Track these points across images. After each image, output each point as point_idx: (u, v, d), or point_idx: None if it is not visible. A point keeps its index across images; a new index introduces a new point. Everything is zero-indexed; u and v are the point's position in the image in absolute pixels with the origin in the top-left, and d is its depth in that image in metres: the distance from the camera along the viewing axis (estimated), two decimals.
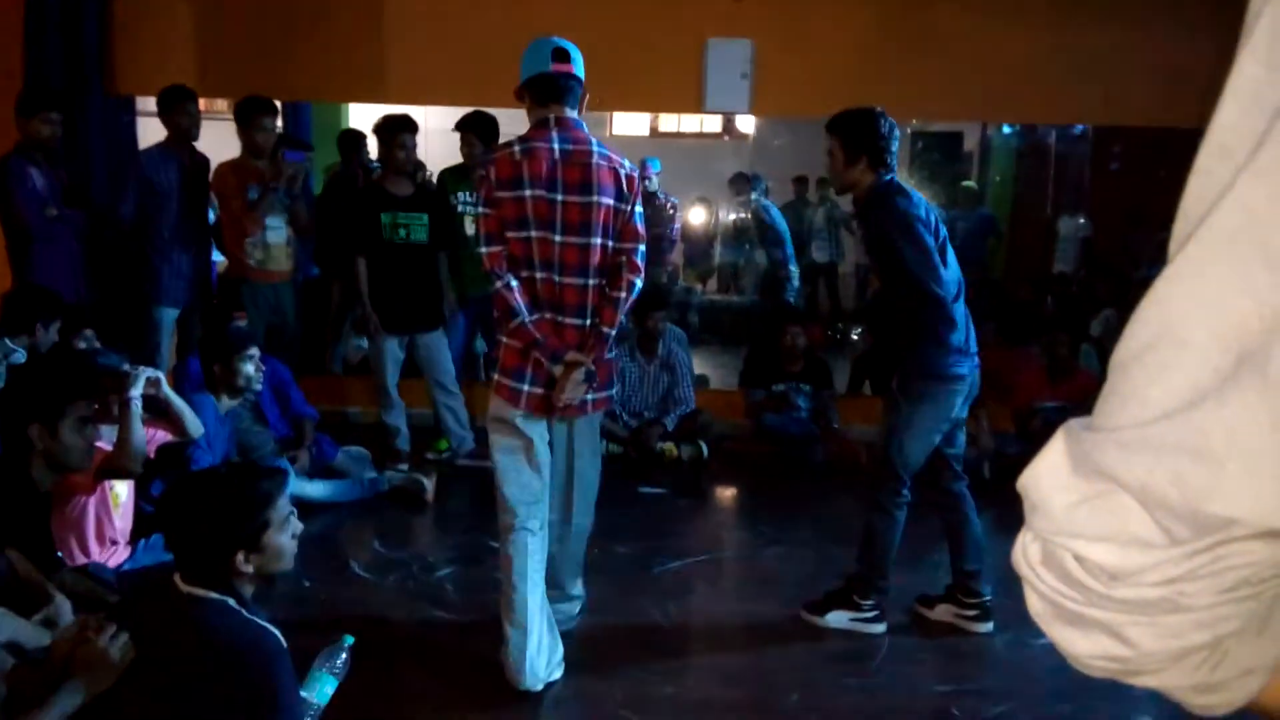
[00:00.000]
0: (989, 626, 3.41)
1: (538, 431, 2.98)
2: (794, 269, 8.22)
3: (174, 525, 2.10)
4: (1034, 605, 0.61)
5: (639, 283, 2.98)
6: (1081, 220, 8.11)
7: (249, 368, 4.09)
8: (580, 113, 3.01)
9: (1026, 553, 0.60)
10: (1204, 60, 5.61)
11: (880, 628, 3.41)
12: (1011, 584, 3.51)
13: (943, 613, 3.50)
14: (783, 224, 8.23)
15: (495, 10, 5.70)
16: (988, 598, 3.44)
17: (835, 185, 3.40)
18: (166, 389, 3.70)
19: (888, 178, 3.21)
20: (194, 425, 3.70)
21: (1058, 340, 5.51)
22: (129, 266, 5.23)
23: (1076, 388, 5.50)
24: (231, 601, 2.06)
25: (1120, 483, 0.53)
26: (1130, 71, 5.73)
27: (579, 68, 2.99)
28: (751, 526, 4.51)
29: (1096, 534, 0.55)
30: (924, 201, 3.26)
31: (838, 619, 3.42)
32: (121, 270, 5.33)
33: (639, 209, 2.98)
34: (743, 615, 3.57)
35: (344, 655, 2.30)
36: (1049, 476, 0.57)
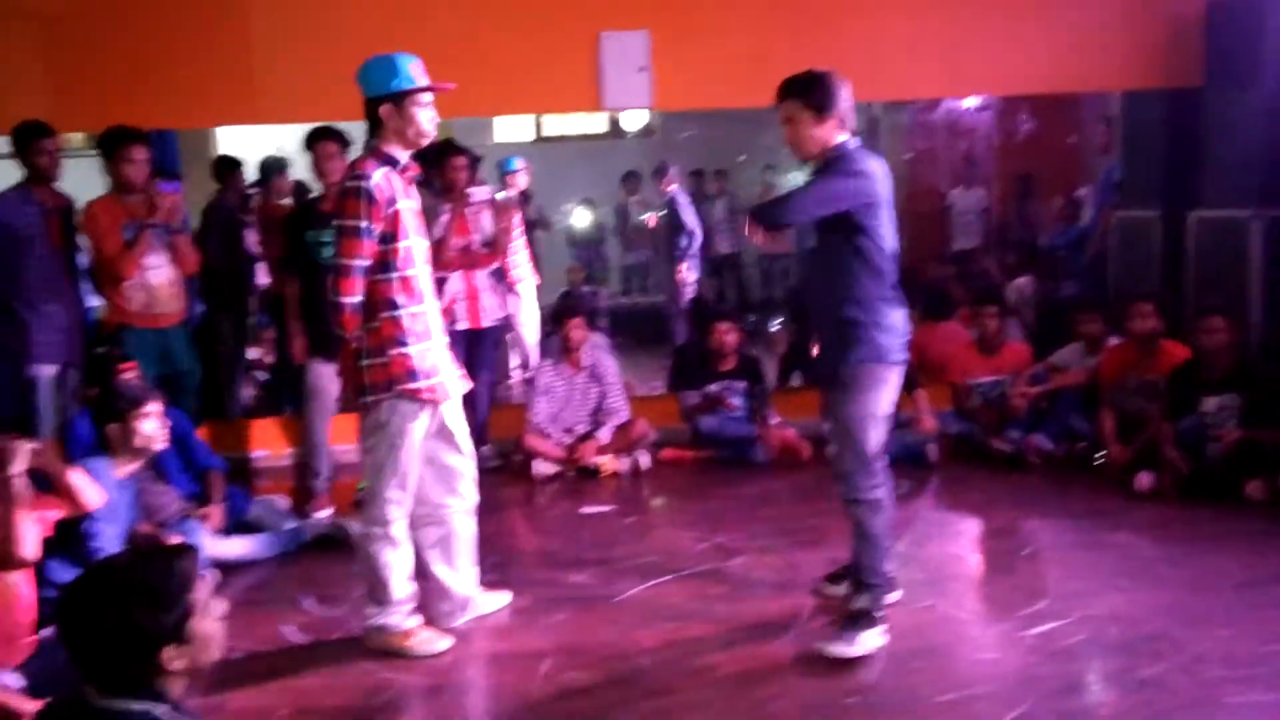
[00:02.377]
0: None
1: None
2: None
3: (79, 634, 1.74)
4: None
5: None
6: (980, 191, 8.15)
7: (150, 426, 3.69)
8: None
9: None
10: (1098, 24, 5.74)
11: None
12: (994, 573, 3.40)
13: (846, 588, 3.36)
14: (687, 217, 8.06)
15: (371, 15, 5.37)
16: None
17: (802, 151, 3.16)
18: (53, 458, 3.29)
19: (859, 141, 3.15)
20: (91, 496, 3.29)
21: (986, 314, 5.45)
22: None
23: (1007, 361, 5.45)
24: (163, 710, 1.74)
25: None
26: (1018, 41, 5.74)
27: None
28: (707, 538, 4.28)
29: None
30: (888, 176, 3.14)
31: (872, 640, 3.15)
32: None
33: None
34: (722, 638, 3.33)
35: None
36: None
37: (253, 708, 2.99)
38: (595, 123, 10.08)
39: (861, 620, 3.15)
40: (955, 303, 6.42)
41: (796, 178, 9.07)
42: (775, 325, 8.19)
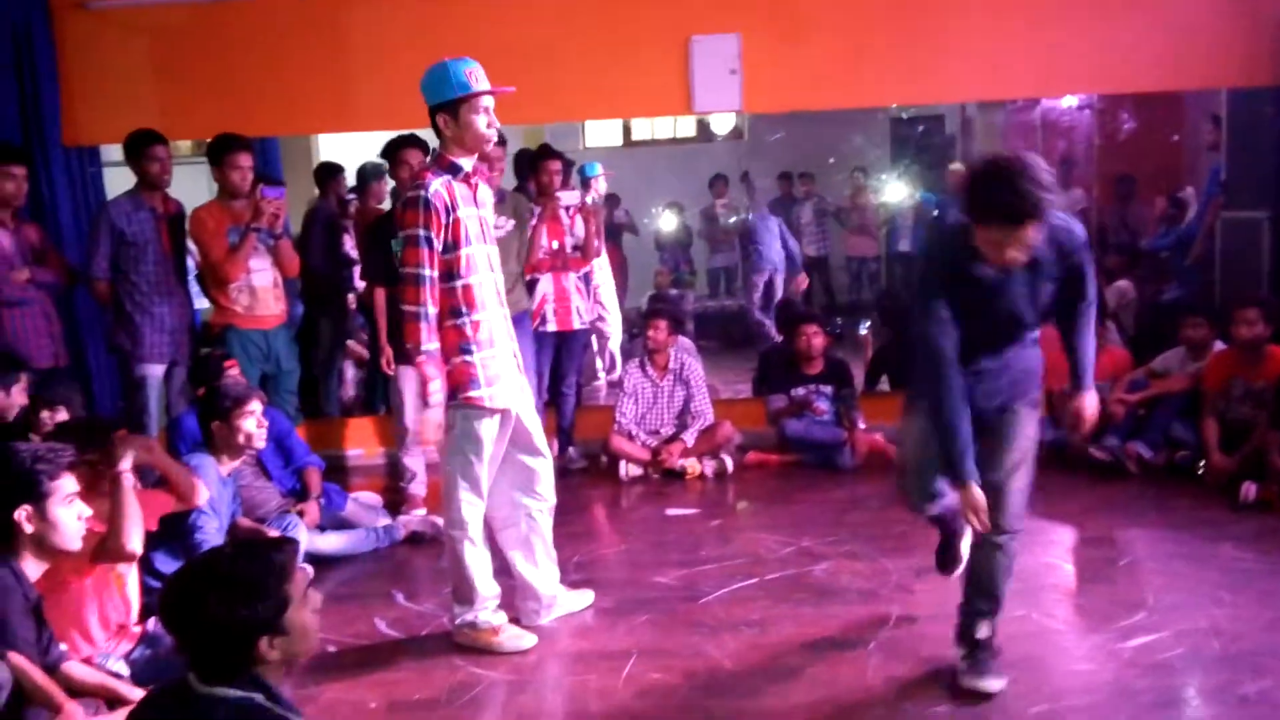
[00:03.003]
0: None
1: None
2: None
3: (182, 621, 1.83)
4: None
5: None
6: (1079, 193, 7.94)
7: (251, 425, 3.81)
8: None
9: None
10: (1203, 21, 5.55)
11: None
12: (1089, 583, 3.30)
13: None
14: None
15: (463, 24, 5.48)
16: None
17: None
18: (161, 454, 3.43)
19: None
20: (197, 491, 3.43)
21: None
22: (108, 325, 4.95)
23: (1105, 366, 5.29)
24: (259, 697, 1.80)
25: None
26: (1123, 38, 5.57)
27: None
28: (792, 542, 4.26)
29: None
30: None
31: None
32: (101, 329, 5.06)
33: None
34: (806, 643, 3.31)
35: None
36: None
37: (345, 700, 3.07)
38: (683, 126, 10.10)
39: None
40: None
41: (890, 183, 9.02)
42: (863, 329, 8.10)
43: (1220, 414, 4.80)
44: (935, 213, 8.47)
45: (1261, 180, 5.85)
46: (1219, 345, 5.08)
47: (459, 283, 3.18)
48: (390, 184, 6.33)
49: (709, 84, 5.68)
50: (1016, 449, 2.87)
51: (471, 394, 3.21)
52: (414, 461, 4.88)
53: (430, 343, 3.16)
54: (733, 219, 8.99)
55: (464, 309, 3.20)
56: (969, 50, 5.54)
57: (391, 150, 4.85)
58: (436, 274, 3.15)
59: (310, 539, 4.15)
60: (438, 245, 3.13)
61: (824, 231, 9.11)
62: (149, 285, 4.81)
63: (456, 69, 3.11)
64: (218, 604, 1.78)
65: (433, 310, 3.16)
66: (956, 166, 9.06)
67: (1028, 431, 2.90)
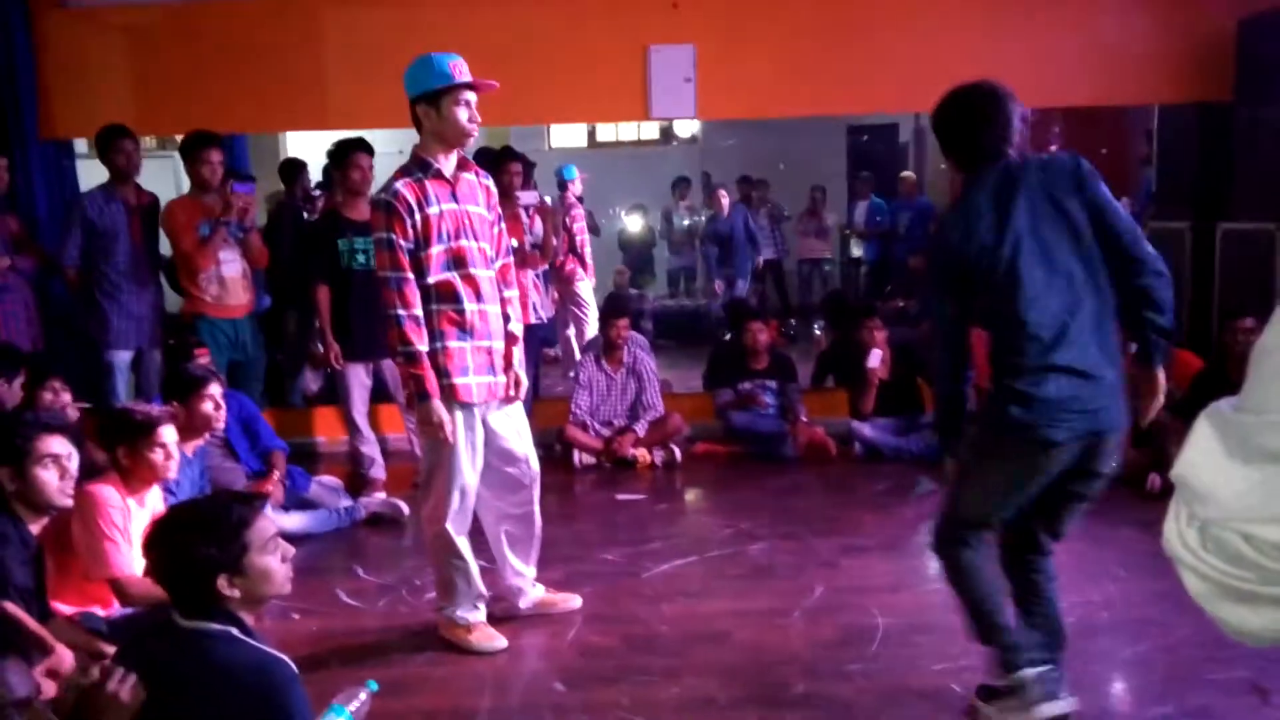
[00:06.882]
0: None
1: None
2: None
3: (159, 558, 2.11)
4: (1195, 588, 0.62)
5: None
6: None
7: (209, 407, 3.97)
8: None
9: (1185, 538, 0.62)
10: (1136, 39, 5.89)
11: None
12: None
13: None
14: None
15: (431, 29, 5.70)
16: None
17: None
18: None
19: None
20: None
21: None
22: (78, 312, 5.14)
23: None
24: (236, 630, 2.05)
25: None
26: (1066, 54, 5.89)
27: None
28: (732, 524, 4.54)
29: (1271, 515, 0.57)
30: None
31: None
32: (71, 316, 5.24)
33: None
34: (737, 611, 3.60)
35: (364, 697, 2.30)
36: (1208, 464, 0.59)
37: (306, 658, 3.29)
38: (646, 130, 10.37)
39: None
40: None
41: (844, 190, 9.30)
42: (817, 329, 8.41)
43: (1133, 413, 5.11)
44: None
45: (1184, 192, 6.21)
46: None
47: (430, 279, 3.15)
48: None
49: (665, 91, 5.95)
50: None
51: (442, 383, 3.18)
52: (370, 449, 5.11)
53: (411, 344, 3.13)
54: (687, 221, 9.26)
55: (435, 306, 3.18)
56: (911, 63, 5.80)
57: (341, 154, 4.99)
58: (410, 275, 3.13)
59: (275, 518, 4.35)
60: (406, 245, 3.12)
61: (779, 235, 9.42)
62: (118, 274, 5.01)
63: (440, 60, 3.10)
64: (181, 542, 2.06)
65: (411, 311, 3.13)
66: (907, 174, 9.42)
67: None
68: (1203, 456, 0.59)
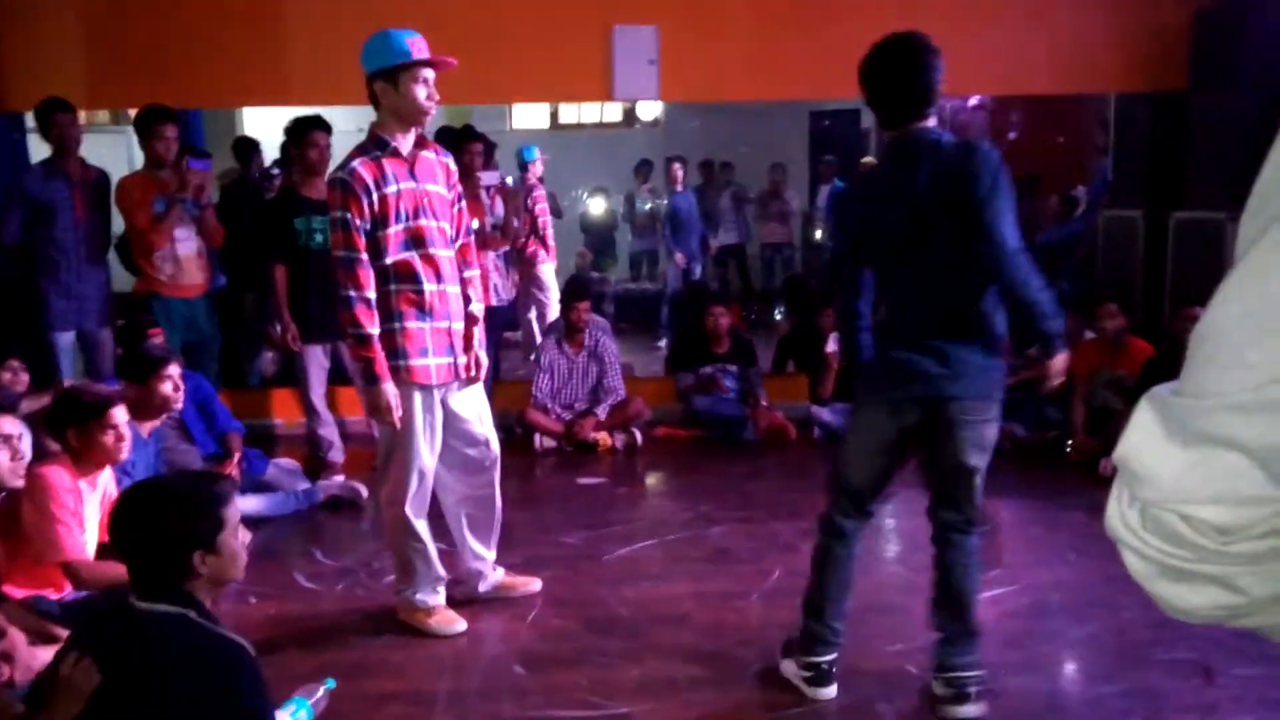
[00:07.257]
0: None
1: None
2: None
3: (128, 533, 2.07)
4: (1136, 567, 0.64)
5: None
6: None
7: (168, 388, 3.93)
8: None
9: (1126, 519, 0.64)
10: (1094, 30, 5.95)
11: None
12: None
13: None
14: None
15: (392, 4, 5.62)
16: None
17: None
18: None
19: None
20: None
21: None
22: (20, 291, 5.03)
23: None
24: (193, 614, 2.03)
25: (1237, 444, 0.57)
26: (1028, 43, 5.95)
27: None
28: (693, 508, 4.57)
29: (1208, 496, 0.58)
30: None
31: None
32: (13, 296, 5.13)
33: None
34: (696, 594, 3.62)
35: (322, 693, 2.30)
36: (1148, 447, 0.61)
37: (262, 640, 3.27)
38: (609, 112, 10.31)
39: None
40: None
41: (806, 174, 9.34)
42: (778, 314, 8.45)
43: (1087, 399, 5.21)
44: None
45: (1139, 181, 6.31)
46: (1088, 334, 5.49)
47: (388, 259, 3.10)
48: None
49: (629, 73, 5.94)
50: None
51: (395, 364, 3.14)
52: (328, 431, 5.07)
53: (361, 327, 3.07)
54: (649, 205, 9.25)
55: (393, 286, 3.12)
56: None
57: (298, 131, 4.92)
58: (364, 256, 3.07)
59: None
60: (362, 225, 3.06)
61: (741, 219, 9.42)
62: (59, 253, 4.91)
63: (399, 37, 3.03)
64: (159, 517, 2.04)
65: (363, 293, 3.07)
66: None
67: None
68: (1144, 439, 0.61)
